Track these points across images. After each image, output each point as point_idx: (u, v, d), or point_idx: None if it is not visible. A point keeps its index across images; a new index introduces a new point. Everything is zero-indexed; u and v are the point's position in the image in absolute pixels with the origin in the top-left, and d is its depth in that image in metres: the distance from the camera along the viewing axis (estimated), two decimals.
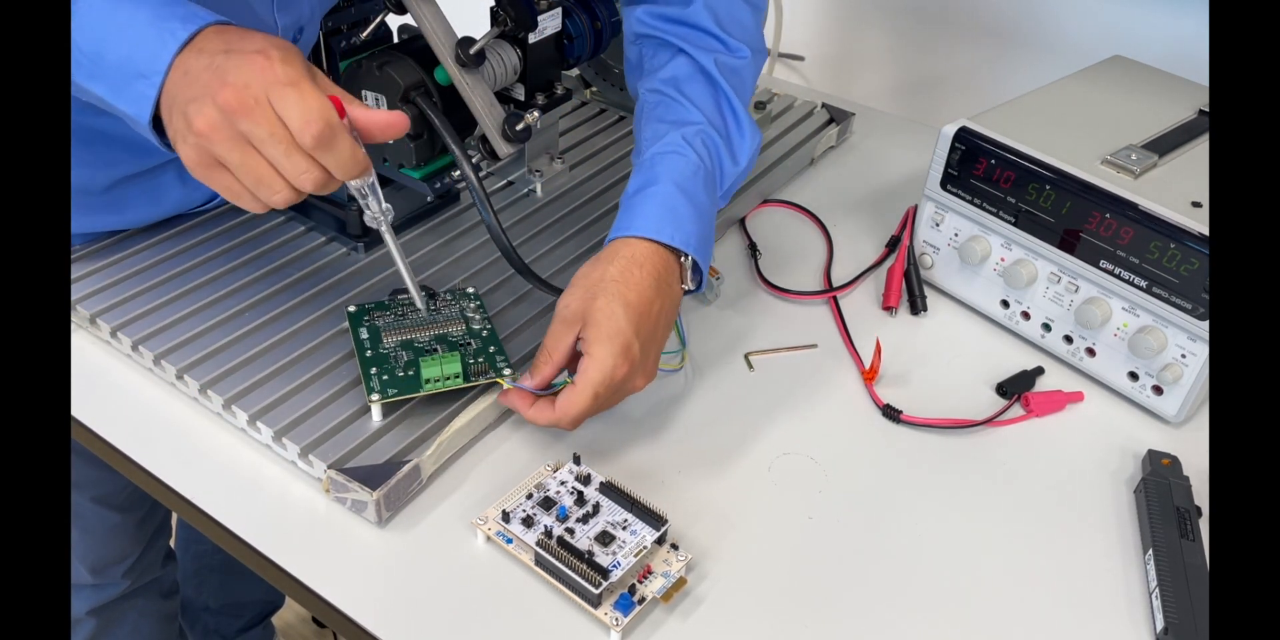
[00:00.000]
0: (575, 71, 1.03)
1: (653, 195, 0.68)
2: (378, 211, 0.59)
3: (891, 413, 0.71)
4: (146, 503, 1.00)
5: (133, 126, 0.55)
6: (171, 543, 1.10)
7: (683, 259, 0.68)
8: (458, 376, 0.65)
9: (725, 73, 0.75)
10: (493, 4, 0.74)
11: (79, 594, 1.02)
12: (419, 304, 0.66)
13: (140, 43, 0.52)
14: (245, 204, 0.54)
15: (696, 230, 0.68)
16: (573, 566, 0.56)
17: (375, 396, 0.65)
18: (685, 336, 0.75)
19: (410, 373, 0.66)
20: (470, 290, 0.74)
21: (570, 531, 0.58)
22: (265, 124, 0.50)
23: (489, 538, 0.60)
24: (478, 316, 0.72)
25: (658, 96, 0.75)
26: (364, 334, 0.69)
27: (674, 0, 0.77)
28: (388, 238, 0.61)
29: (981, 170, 0.75)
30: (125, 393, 0.69)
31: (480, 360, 0.68)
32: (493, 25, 0.73)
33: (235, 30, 0.53)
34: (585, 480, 0.62)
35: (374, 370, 0.66)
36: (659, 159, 0.70)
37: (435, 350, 0.68)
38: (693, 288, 0.70)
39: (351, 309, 0.71)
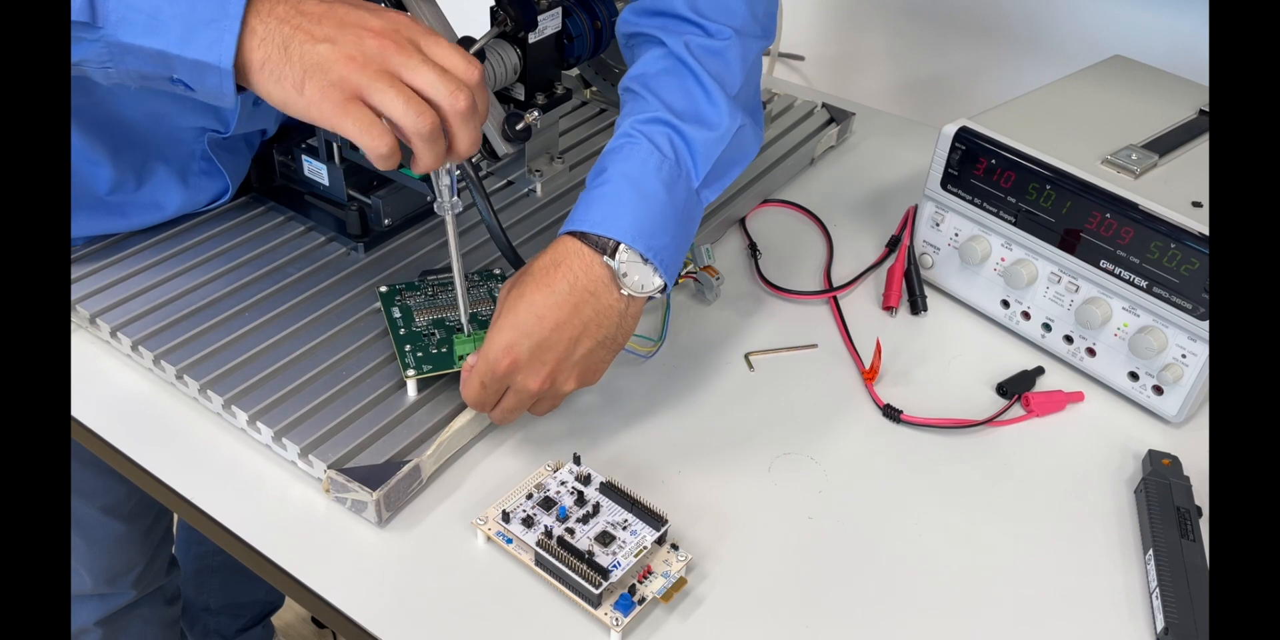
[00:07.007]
0: (575, 71, 1.03)
1: (594, 188, 0.66)
2: (447, 202, 0.63)
3: (892, 413, 0.71)
4: (152, 511, 1.00)
5: (196, 82, 0.54)
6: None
7: (609, 259, 0.62)
8: None
9: (698, 54, 0.71)
10: (493, 4, 0.74)
11: (87, 604, 1.02)
12: (459, 287, 0.68)
13: None
14: (376, 139, 0.53)
15: (636, 217, 0.63)
16: (573, 566, 0.56)
17: (411, 372, 0.66)
18: (666, 332, 0.75)
19: (444, 350, 0.68)
20: (497, 271, 0.76)
21: (570, 531, 0.58)
22: (418, 56, 0.53)
23: (489, 538, 0.60)
24: None
25: (628, 95, 0.73)
26: (396, 313, 0.71)
27: None
28: (450, 229, 0.65)
29: (982, 170, 0.75)
30: (125, 393, 0.69)
31: None
32: (493, 25, 0.73)
33: None
34: (585, 480, 0.62)
35: (408, 347, 0.68)
36: (609, 155, 0.68)
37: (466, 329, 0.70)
38: (656, 291, 0.64)
39: (383, 289, 0.73)
